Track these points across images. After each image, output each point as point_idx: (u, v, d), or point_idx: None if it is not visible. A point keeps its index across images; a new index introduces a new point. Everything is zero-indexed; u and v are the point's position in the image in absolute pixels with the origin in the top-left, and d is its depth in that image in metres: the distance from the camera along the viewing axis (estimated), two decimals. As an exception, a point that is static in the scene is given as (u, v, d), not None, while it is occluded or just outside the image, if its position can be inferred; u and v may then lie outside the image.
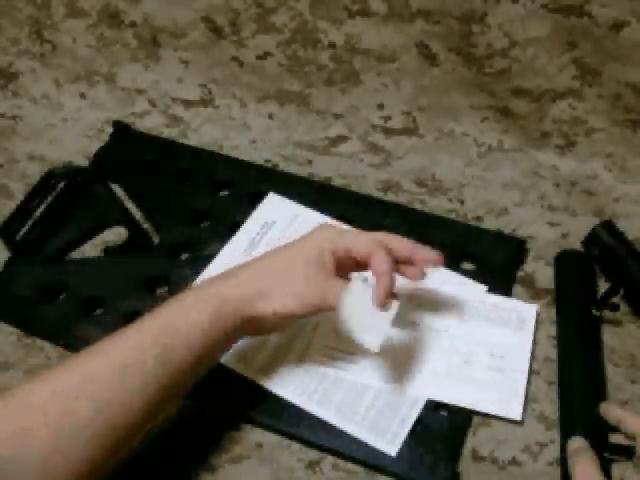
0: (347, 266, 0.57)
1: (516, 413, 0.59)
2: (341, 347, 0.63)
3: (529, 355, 0.62)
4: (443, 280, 0.66)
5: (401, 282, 0.64)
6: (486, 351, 0.62)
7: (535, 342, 0.63)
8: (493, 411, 0.59)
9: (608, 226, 0.67)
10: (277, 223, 0.72)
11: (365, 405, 0.60)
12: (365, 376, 0.61)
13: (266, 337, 0.63)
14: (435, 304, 0.65)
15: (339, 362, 0.62)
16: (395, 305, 0.53)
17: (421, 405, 0.60)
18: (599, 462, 0.53)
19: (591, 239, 0.67)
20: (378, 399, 0.60)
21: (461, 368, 0.61)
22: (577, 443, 0.55)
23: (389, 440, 0.58)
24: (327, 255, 0.55)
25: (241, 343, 0.62)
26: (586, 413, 0.58)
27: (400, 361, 0.62)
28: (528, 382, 0.61)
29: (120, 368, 0.49)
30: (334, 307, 0.54)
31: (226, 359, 0.62)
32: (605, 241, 0.66)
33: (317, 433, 0.59)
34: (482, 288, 0.66)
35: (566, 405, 0.59)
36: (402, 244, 0.57)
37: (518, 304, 0.65)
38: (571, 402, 0.59)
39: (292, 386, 0.61)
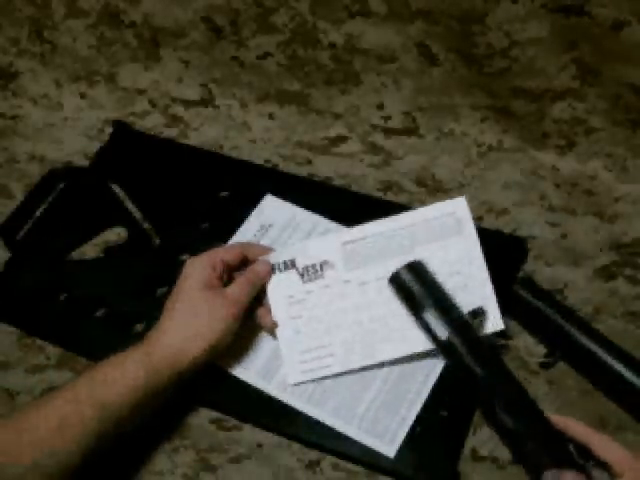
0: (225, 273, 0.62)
1: (497, 323, 0.60)
2: (324, 342, 0.62)
3: (481, 254, 0.62)
4: (369, 228, 0.64)
5: (330, 244, 0.64)
6: (442, 274, 0.60)
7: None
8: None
9: (528, 283, 0.63)
10: (274, 225, 0.71)
11: (364, 406, 0.60)
12: (359, 361, 0.61)
13: (263, 340, 0.64)
14: (373, 254, 0.63)
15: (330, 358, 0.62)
16: None
17: (420, 405, 0.60)
18: None
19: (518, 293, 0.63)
20: (377, 399, 0.60)
21: None
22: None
23: (388, 440, 0.58)
24: (208, 274, 0.60)
25: (238, 346, 0.62)
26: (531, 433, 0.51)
27: (376, 328, 0.61)
28: (504, 314, 0.60)
29: (58, 420, 0.52)
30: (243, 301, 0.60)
31: (224, 362, 0.62)
32: (529, 301, 0.62)
33: (317, 433, 0.59)
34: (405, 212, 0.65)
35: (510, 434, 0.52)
36: (256, 248, 0.66)
37: (446, 205, 0.64)
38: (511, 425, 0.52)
39: (290, 387, 0.61)
